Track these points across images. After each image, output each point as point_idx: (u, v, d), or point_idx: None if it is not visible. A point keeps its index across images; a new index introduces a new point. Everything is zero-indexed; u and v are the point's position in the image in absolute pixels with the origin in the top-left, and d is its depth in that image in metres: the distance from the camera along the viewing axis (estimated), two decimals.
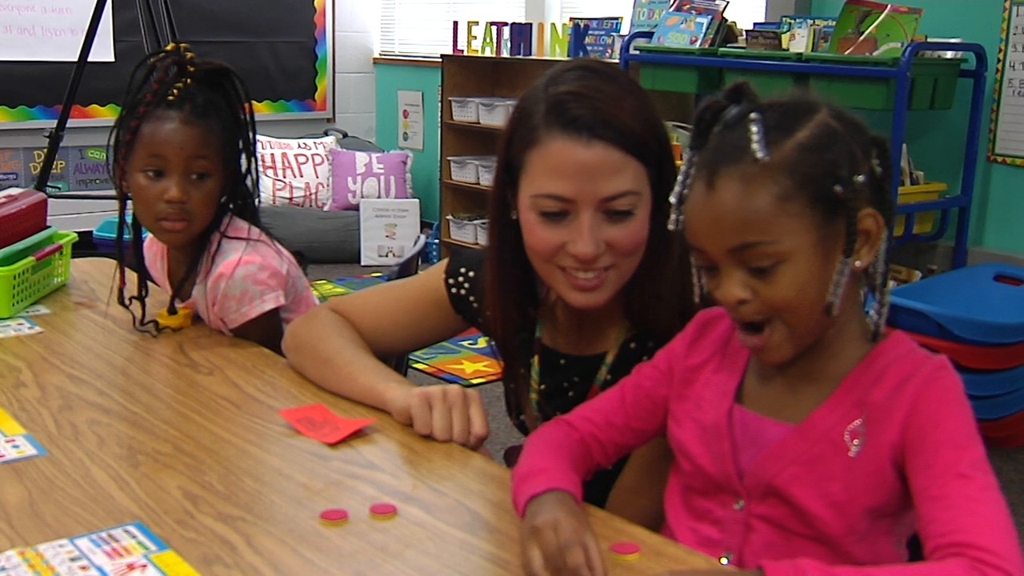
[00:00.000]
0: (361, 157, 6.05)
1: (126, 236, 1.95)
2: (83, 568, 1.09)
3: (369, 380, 1.54)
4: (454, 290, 1.62)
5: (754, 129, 1.07)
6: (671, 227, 1.16)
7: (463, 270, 1.62)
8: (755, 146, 1.06)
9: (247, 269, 1.85)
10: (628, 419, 1.31)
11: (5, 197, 2.05)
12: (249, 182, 1.94)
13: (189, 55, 1.86)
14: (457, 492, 1.29)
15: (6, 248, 1.96)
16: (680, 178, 1.14)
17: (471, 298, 1.61)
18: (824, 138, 1.08)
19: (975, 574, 0.97)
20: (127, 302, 1.93)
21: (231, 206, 1.93)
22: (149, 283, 2.00)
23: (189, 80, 1.84)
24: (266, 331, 1.88)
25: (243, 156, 1.92)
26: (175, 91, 1.82)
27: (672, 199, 1.15)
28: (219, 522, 1.20)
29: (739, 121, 1.10)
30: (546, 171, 1.35)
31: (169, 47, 1.87)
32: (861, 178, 1.07)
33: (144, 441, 1.42)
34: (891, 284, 1.16)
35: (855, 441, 1.10)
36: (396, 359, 1.95)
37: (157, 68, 1.85)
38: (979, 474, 1.04)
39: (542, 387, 1.54)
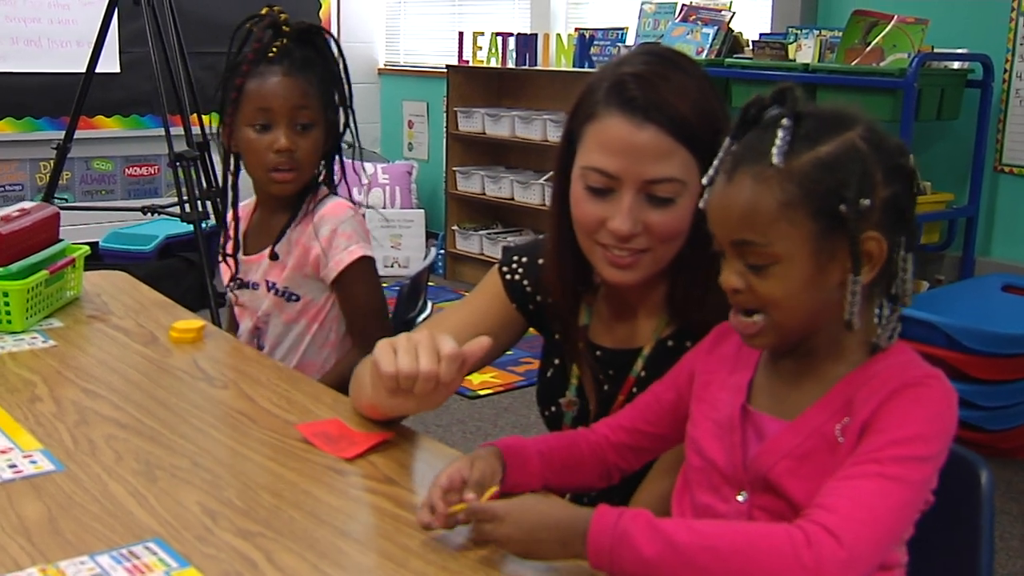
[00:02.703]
0: (366, 167, 6.06)
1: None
2: None
3: None
4: (508, 276, 1.63)
5: (780, 135, 1.10)
6: (700, 206, 1.19)
7: (516, 257, 1.64)
8: (774, 151, 1.10)
9: (354, 211, 1.98)
10: (636, 422, 1.35)
11: (18, 211, 2.05)
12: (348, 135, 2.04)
13: (283, 16, 1.96)
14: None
15: (20, 262, 1.96)
16: (715, 163, 1.17)
17: (524, 282, 1.62)
18: (843, 156, 1.10)
19: (794, 530, 1.01)
20: (223, 258, 2.06)
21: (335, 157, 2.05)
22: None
23: (285, 40, 1.94)
24: (371, 280, 1.98)
25: (340, 110, 2.02)
26: (274, 49, 1.93)
27: (704, 181, 1.18)
28: (239, 538, 1.20)
29: (774, 123, 1.12)
30: (598, 146, 1.39)
31: (263, 11, 1.97)
32: (867, 202, 1.09)
33: (161, 456, 1.42)
34: (899, 306, 1.17)
35: (844, 438, 1.12)
36: None
37: (255, 31, 1.95)
38: (893, 465, 1.05)
39: (582, 381, 1.56)
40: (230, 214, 2.06)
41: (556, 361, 1.60)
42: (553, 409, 1.60)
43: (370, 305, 1.99)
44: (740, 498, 1.20)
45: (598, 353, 1.55)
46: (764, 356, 1.25)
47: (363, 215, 2.02)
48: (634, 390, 1.50)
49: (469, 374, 1.43)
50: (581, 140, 1.43)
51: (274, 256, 1.98)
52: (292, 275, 1.98)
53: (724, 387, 1.26)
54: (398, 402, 1.35)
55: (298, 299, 1.99)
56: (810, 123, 1.12)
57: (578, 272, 1.52)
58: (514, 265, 1.63)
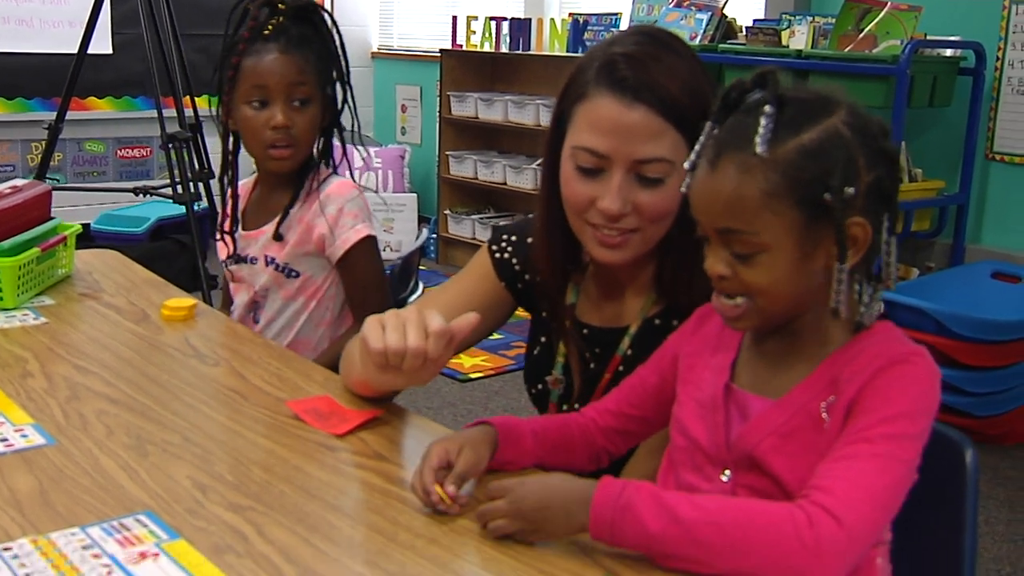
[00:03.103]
0: (359, 150, 6.03)
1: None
2: (95, 556, 1.09)
3: None
4: (497, 255, 1.64)
5: (763, 122, 1.10)
6: (682, 190, 1.19)
7: (505, 236, 1.65)
8: (758, 139, 1.09)
9: (359, 191, 2.00)
10: (621, 405, 1.36)
11: (10, 188, 2.05)
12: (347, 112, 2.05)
13: None
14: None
15: (11, 239, 1.96)
16: (696, 148, 1.17)
17: (513, 260, 1.62)
18: (827, 143, 1.10)
19: (796, 510, 1.02)
20: (220, 236, 2.06)
21: (333, 135, 2.06)
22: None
23: (282, 18, 1.95)
24: (376, 259, 2.00)
25: (337, 86, 2.02)
26: (270, 26, 1.94)
27: (686, 165, 1.18)
28: (229, 511, 1.21)
29: (756, 108, 1.12)
30: (588, 125, 1.40)
31: None
32: (851, 190, 1.09)
33: (152, 431, 1.43)
34: (881, 286, 1.18)
35: (829, 416, 1.13)
36: None
37: (251, 10, 1.96)
38: (884, 443, 1.07)
39: (567, 359, 1.57)
40: (229, 192, 2.06)
41: (543, 339, 1.61)
42: (539, 387, 1.61)
43: (374, 284, 2.00)
44: (723, 477, 1.20)
45: (585, 331, 1.55)
46: (747, 337, 1.25)
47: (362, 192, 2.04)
48: (620, 368, 1.51)
49: (458, 353, 1.44)
50: (571, 120, 1.43)
51: (278, 236, 1.99)
52: (293, 251, 1.99)
53: (707, 367, 1.26)
54: (387, 378, 1.36)
55: (298, 275, 2.00)
56: (792, 108, 1.11)
57: (566, 251, 1.53)
58: (503, 244, 1.64)
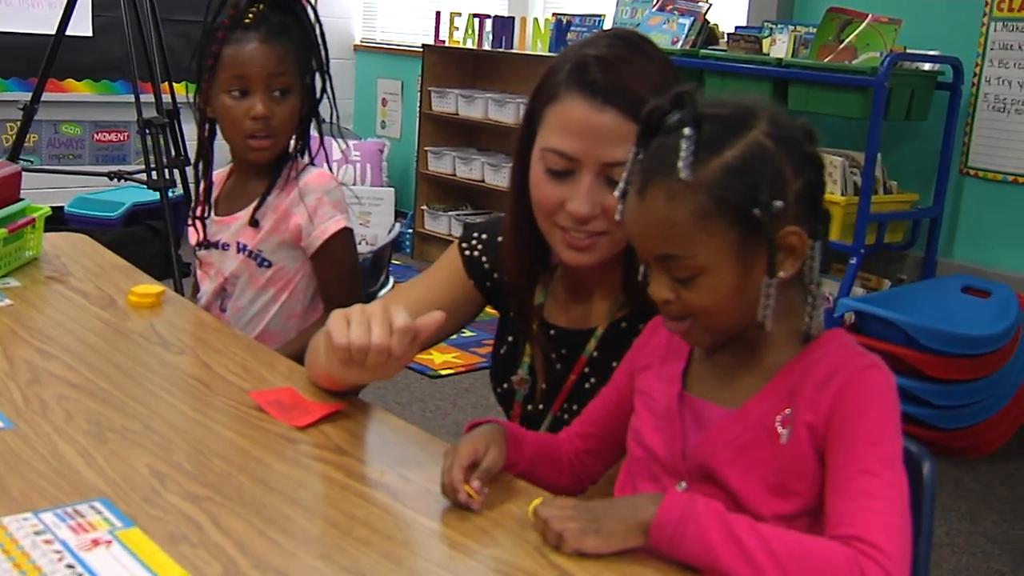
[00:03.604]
0: (337, 143, 6.02)
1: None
2: (47, 542, 1.08)
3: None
4: (467, 252, 1.63)
5: (683, 146, 1.09)
6: (616, 218, 1.19)
7: (476, 234, 1.65)
8: (681, 164, 1.09)
9: (337, 183, 2.01)
10: (587, 426, 1.37)
11: None
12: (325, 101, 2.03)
13: None
14: (425, 479, 1.30)
15: None
16: (624, 175, 1.17)
17: (483, 259, 1.62)
18: (750, 159, 1.10)
19: (852, 560, 1.02)
20: (192, 222, 2.05)
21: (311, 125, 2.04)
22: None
23: (262, 6, 1.94)
24: (352, 251, 2.00)
25: (317, 76, 2.01)
26: (251, 15, 1.93)
27: (616, 193, 1.18)
28: (186, 501, 1.20)
29: (675, 129, 1.11)
30: (558, 127, 1.39)
31: None
32: (780, 204, 1.09)
33: (113, 418, 1.42)
34: (824, 288, 1.18)
35: (786, 428, 1.13)
36: None
37: None
38: (886, 471, 1.07)
39: (533, 359, 1.56)
40: (203, 182, 2.04)
41: (510, 338, 1.61)
42: (505, 386, 1.61)
43: (348, 276, 2.00)
44: (679, 488, 1.20)
45: (552, 332, 1.55)
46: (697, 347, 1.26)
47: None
48: (586, 370, 1.51)
49: (423, 349, 1.44)
50: (542, 121, 1.43)
51: (254, 222, 1.98)
52: (267, 239, 1.98)
53: (659, 377, 1.26)
54: (350, 373, 1.36)
55: (270, 265, 1.99)
56: (712, 126, 1.11)
57: (535, 252, 1.52)
58: (473, 242, 1.64)
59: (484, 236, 1.64)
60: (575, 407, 1.52)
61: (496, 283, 1.62)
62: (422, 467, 1.33)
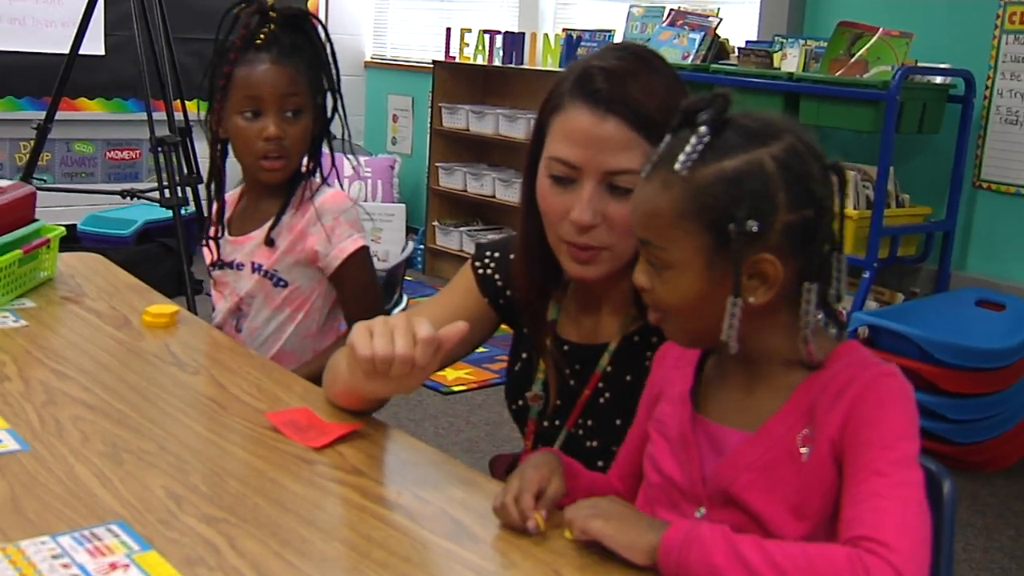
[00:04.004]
0: (347, 160, 6.03)
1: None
2: (65, 566, 1.08)
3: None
4: (480, 271, 1.64)
5: (692, 142, 1.11)
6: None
7: (489, 252, 1.65)
8: (681, 158, 1.10)
9: (353, 202, 2.02)
10: (632, 467, 1.35)
11: None
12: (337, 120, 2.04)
13: (270, 2, 1.96)
14: (441, 500, 1.29)
15: None
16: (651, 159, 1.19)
17: (496, 277, 1.63)
18: (746, 174, 1.09)
19: (855, 559, 1.01)
20: (205, 243, 2.05)
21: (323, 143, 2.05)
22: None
23: (273, 26, 1.94)
24: (370, 269, 2.01)
25: (328, 95, 2.02)
26: (262, 36, 1.93)
27: (642, 174, 1.18)
28: (202, 523, 1.20)
29: (698, 127, 1.12)
30: (562, 136, 1.41)
31: None
32: (754, 225, 1.08)
33: (128, 439, 1.42)
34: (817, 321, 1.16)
35: (806, 447, 1.12)
36: None
37: (241, 16, 1.95)
38: (896, 471, 1.07)
39: (548, 375, 1.56)
40: (215, 205, 2.05)
41: (524, 355, 1.61)
42: (520, 403, 1.60)
43: (368, 294, 2.00)
44: (698, 514, 1.19)
45: (565, 348, 1.55)
46: (711, 364, 1.25)
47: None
48: (600, 385, 1.51)
49: (443, 367, 1.44)
50: (548, 131, 1.44)
51: (269, 242, 1.98)
52: (283, 258, 1.98)
53: (668, 401, 1.26)
54: (374, 385, 1.35)
55: (286, 285, 1.99)
56: (732, 134, 1.11)
57: (546, 267, 1.52)
58: (486, 260, 1.64)
59: (497, 254, 1.64)
60: (590, 423, 1.51)
61: (509, 300, 1.62)
62: (439, 488, 1.33)
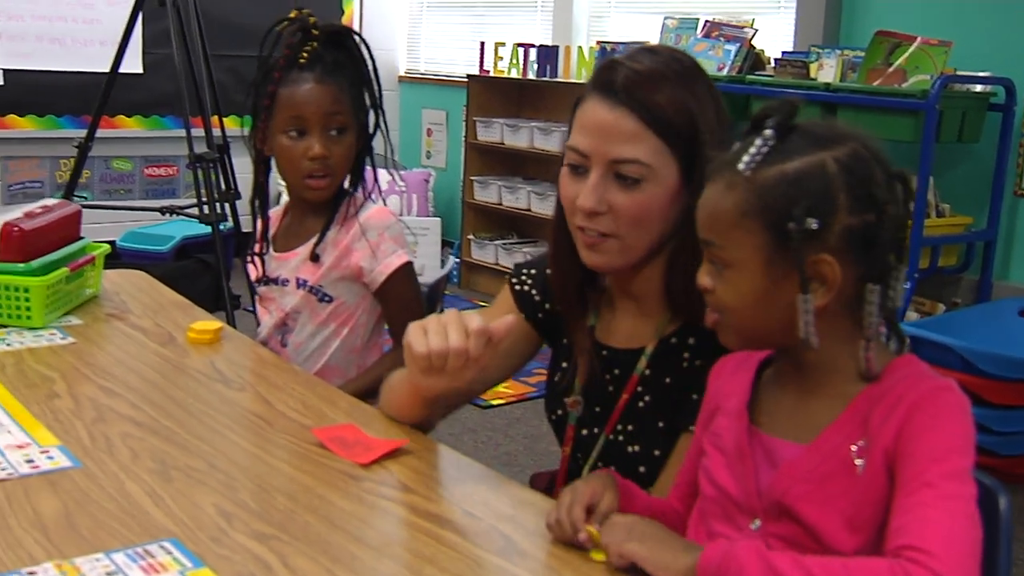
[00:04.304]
0: (383, 174, 6.05)
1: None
2: None
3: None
4: (517, 287, 1.66)
5: (757, 143, 1.13)
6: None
7: (526, 270, 1.68)
8: (745, 158, 1.12)
9: (397, 218, 2.02)
10: (682, 489, 1.35)
11: (41, 208, 2.06)
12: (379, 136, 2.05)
13: (312, 19, 1.96)
14: (491, 517, 1.29)
15: (41, 258, 1.96)
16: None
17: (533, 292, 1.65)
18: (806, 174, 1.11)
19: (897, 569, 1.00)
20: (250, 259, 2.07)
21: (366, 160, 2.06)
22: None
23: (315, 44, 1.94)
24: (415, 284, 2.02)
25: (371, 111, 2.02)
26: (305, 54, 1.94)
27: (707, 179, 1.20)
28: (253, 540, 1.20)
29: (764, 131, 1.14)
30: (578, 125, 1.45)
31: (292, 14, 1.97)
32: (814, 223, 1.09)
33: (177, 456, 1.42)
34: (879, 328, 1.16)
35: (861, 459, 1.11)
36: None
37: (284, 35, 1.96)
38: (947, 484, 1.05)
39: (587, 381, 1.56)
40: (260, 221, 2.06)
41: (564, 364, 1.61)
42: (559, 412, 1.60)
43: (413, 308, 2.00)
44: (753, 526, 1.19)
45: (604, 353, 1.55)
46: (766, 376, 1.24)
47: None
48: (639, 389, 1.50)
49: (485, 389, 1.54)
50: (572, 125, 1.47)
51: (315, 257, 1.99)
52: (328, 274, 1.99)
53: (724, 414, 1.25)
54: (432, 381, 1.39)
55: (331, 300, 2.00)
56: (796, 139, 1.13)
57: (583, 271, 1.53)
58: (523, 277, 1.67)
59: (533, 271, 1.66)
60: (630, 427, 1.51)
61: (548, 313, 1.63)
62: (487, 504, 1.33)
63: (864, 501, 1.11)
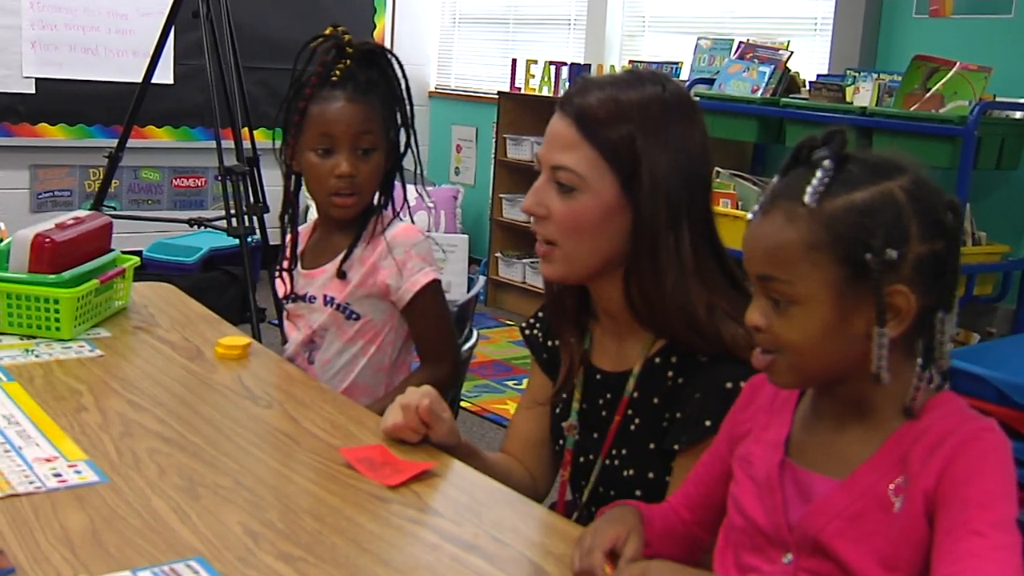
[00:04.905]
0: (412, 190, 6.05)
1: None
2: None
3: None
4: (527, 332, 1.70)
5: (818, 175, 1.10)
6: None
7: (537, 314, 1.70)
8: (808, 190, 1.09)
9: (424, 236, 2.01)
10: (693, 498, 1.32)
11: (73, 219, 2.05)
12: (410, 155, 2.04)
13: (347, 37, 1.95)
14: (520, 543, 1.27)
15: (71, 270, 1.96)
16: (760, 199, 1.17)
17: (538, 333, 1.69)
18: (878, 204, 1.08)
19: None
20: (279, 275, 2.06)
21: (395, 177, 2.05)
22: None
23: (349, 61, 1.93)
24: (443, 301, 2.01)
25: (402, 130, 2.01)
26: (337, 72, 1.93)
27: (749, 216, 1.18)
28: (280, 561, 1.18)
29: (817, 163, 1.11)
30: None
31: (327, 31, 1.96)
32: (893, 254, 1.07)
33: (204, 473, 1.41)
34: (935, 368, 1.13)
35: (899, 497, 1.09)
36: (449, 401, 1.95)
37: (318, 52, 1.95)
38: (996, 533, 1.03)
39: (584, 406, 1.57)
40: (288, 236, 2.05)
41: (564, 396, 1.60)
42: (561, 442, 1.60)
43: (440, 326, 1.99)
44: (785, 560, 1.16)
45: (597, 376, 1.55)
46: (803, 408, 1.22)
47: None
48: (629, 411, 1.50)
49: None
50: None
51: (341, 274, 1.97)
52: (355, 292, 1.97)
53: (758, 442, 1.23)
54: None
55: (358, 318, 1.98)
56: (854, 168, 1.11)
57: (578, 296, 1.56)
58: (532, 320, 1.71)
59: (541, 314, 1.69)
60: (624, 451, 1.50)
61: (550, 350, 1.65)
62: (517, 531, 1.31)
63: (901, 541, 1.09)
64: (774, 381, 1.18)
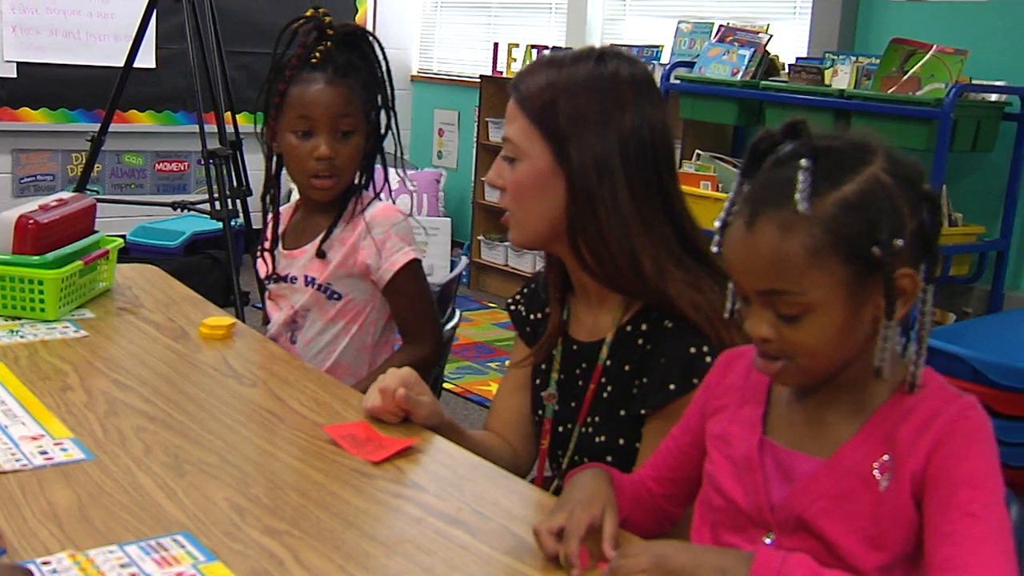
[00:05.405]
0: (394, 173, 6.05)
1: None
2: (132, 575, 1.09)
3: None
4: (512, 308, 1.74)
5: (801, 177, 1.06)
6: (713, 249, 1.17)
7: (522, 289, 1.74)
8: (798, 196, 1.06)
9: (404, 216, 2.03)
10: (662, 471, 1.33)
11: (56, 201, 2.06)
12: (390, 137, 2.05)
13: (328, 19, 1.96)
14: (502, 516, 1.29)
15: (55, 251, 1.97)
16: (726, 204, 1.14)
17: (522, 308, 1.72)
18: (870, 195, 1.07)
19: None
20: (260, 256, 2.08)
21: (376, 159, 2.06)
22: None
23: (329, 43, 1.94)
24: (423, 281, 2.02)
25: (382, 112, 2.02)
26: (317, 54, 1.94)
27: (716, 223, 1.16)
28: (266, 535, 1.20)
29: (789, 160, 1.09)
30: None
31: (308, 13, 1.97)
32: (900, 242, 1.06)
33: (190, 451, 1.43)
34: (924, 340, 1.13)
35: (884, 475, 1.10)
36: (432, 380, 1.98)
37: (299, 33, 1.96)
38: (990, 515, 1.05)
39: (561, 376, 1.60)
40: (270, 212, 2.07)
41: (543, 367, 1.64)
42: (540, 412, 1.64)
43: (421, 305, 2.01)
44: (767, 540, 1.17)
45: (574, 347, 1.59)
46: (780, 388, 1.21)
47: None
48: (603, 379, 1.53)
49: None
50: None
51: (321, 254, 1.99)
52: (336, 272, 1.99)
53: (735, 420, 1.22)
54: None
55: (340, 298, 2.00)
56: (829, 159, 1.08)
57: (560, 270, 1.60)
58: (517, 296, 1.74)
59: (526, 290, 1.73)
60: (597, 418, 1.54)
61: (532, 323, 1.69)
62: (498, 504, 1.33)
63: (888, 520, 1.10)
64: (783, 383, 1.17)
